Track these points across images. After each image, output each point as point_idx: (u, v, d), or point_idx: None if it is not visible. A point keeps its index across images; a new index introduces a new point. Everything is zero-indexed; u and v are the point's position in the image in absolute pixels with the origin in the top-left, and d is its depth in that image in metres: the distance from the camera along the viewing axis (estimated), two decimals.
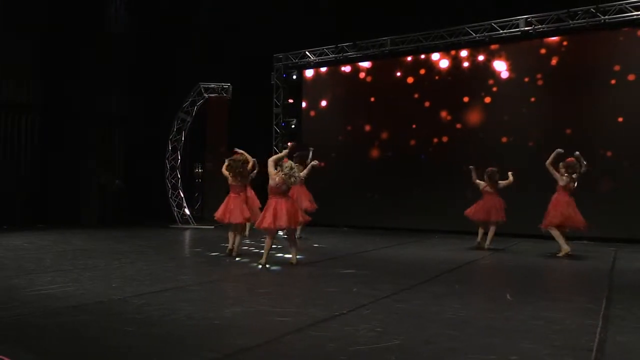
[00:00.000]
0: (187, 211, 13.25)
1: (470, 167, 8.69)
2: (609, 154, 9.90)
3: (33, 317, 3.71)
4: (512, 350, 3.12)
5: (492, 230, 8.40)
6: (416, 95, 12.23)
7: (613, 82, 9.94)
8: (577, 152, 7.67)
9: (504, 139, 10.99)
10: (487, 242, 8.42)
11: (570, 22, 10.35)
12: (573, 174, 7.56)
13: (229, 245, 7.29)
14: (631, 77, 9.71)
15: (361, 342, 3.24)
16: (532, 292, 5.18)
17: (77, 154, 12.75)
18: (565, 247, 7.57)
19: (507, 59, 11.10)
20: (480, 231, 8.63)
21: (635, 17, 9.83)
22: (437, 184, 11.43)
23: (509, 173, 8.49)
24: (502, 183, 8.37)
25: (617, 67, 9.80)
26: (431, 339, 3.36)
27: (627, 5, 9.87)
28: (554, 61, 10.58)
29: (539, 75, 10.66)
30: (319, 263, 6.88)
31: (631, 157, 9.74)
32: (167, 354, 3.02)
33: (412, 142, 12.23)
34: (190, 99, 13.20)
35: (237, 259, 7.02)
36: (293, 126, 14.22)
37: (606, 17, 10.04)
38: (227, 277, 5.85)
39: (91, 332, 3.41)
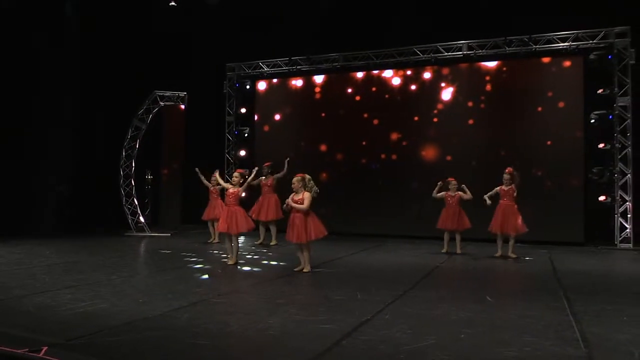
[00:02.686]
0: (141, 219, 13.29)
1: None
2: (539, 173, 11.32)
3: (101, 337, 4.02)
4: (523, 343, 3.95)
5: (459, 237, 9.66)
6: (366, 112, 13.06)
7: (545, 107, 11.33)
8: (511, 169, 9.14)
9: (449, 157, 12.11)
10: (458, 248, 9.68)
11: (507, 48, 11.67)
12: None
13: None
14: (561, 104, 11.18)
15: (404, 342, 3.95)
16: (503, 293, 6.16)
17: (28, 160, 12.36)
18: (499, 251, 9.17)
19: (453, 81, 12.25)
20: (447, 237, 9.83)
21: (561, 47, 11.31)
22: (385, 197, 12.44)
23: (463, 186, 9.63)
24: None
25: (550, 94, 11.23)
26: (456, 337, 4.13)
27: (554, 37, 11.33)
28: (495, 85, 11.84)
29: (482, 98, 11.90)
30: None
31: (554, 176, 11.21)
32: None
33: (363, 160, 13.05)
34: (145, 107, 13.25)
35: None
36: (246, 135, 14.63)
37: (537, 46, 11.45)
38: (239, 288, 6.31)
39: (172, 347, 3.82)
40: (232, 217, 7.60)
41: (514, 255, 8.98)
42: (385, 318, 4.75)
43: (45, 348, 3.62)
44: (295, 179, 7.21)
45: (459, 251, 9.59)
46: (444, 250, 9.68)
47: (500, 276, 7.68)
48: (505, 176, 9.07)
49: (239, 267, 7.77)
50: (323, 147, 13.55)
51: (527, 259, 8.99)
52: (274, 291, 6.13)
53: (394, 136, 12.76)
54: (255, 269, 7.66)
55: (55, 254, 8.89)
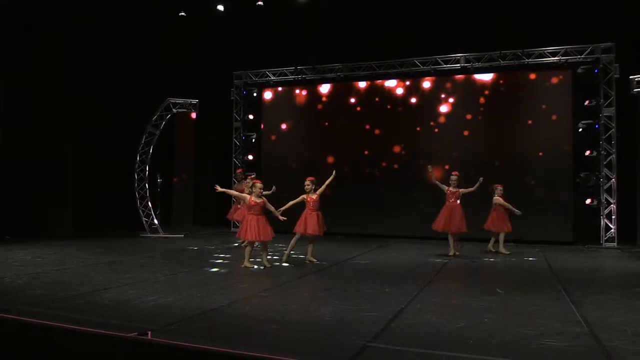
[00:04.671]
0: (155, 221, 13.93)
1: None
2: (532, 182, 12.33)
3: (188, 323, 4.76)
4: (537, 325, 4.79)
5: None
6: (368, 122, 13.84)
7: (537, 119, 12.28)
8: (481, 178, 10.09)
9: (447, 167, 12.94)
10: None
11: (501, 61, 12.59)
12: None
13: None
14: (554, 117, 12.17)
15: (441, 325, 4.76)
16: (509, 286, 7.01)
17: (43, 163, 12.84)
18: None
19: (452, 94, 13.13)
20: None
21: (550, 62, 12.27)
22: (387, 201, 13.29)
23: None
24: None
25: (544, 106, 12.19)
26: (480, 322, 4.95)
27: (545, 52, 12.28)
28: (492, 98, 12.74)
29: (481, 109, 12.83)
30: (329, 269, 8.27)
31: (545, 183, 12.19)
32: (332, 340, 4.30)
33: (367, 170, 13.85)
34: (158, 114, 13.90)
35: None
36: (253, 140, 15.36)
37: (529, 60, 12.39)
38: (278, 285, 6.99)
39: (253, 330, 4.59)
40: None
41: (452, 253, 9.82)
42: (417, 307, 5.55)
43: (150, 332, 4.33)
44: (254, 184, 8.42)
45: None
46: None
47: (503, 272, 8.55)
48: (452, 177, 10.02)
49: (265, 267, 8.48)
50: (327, 156, 14.17)
51: (531, 259, 9.72)
52: (311, 286, 6.93)
53: (395, 146, 13.58)
54: (275, 269, 8.40)
55: (90, 255, 9.47)
